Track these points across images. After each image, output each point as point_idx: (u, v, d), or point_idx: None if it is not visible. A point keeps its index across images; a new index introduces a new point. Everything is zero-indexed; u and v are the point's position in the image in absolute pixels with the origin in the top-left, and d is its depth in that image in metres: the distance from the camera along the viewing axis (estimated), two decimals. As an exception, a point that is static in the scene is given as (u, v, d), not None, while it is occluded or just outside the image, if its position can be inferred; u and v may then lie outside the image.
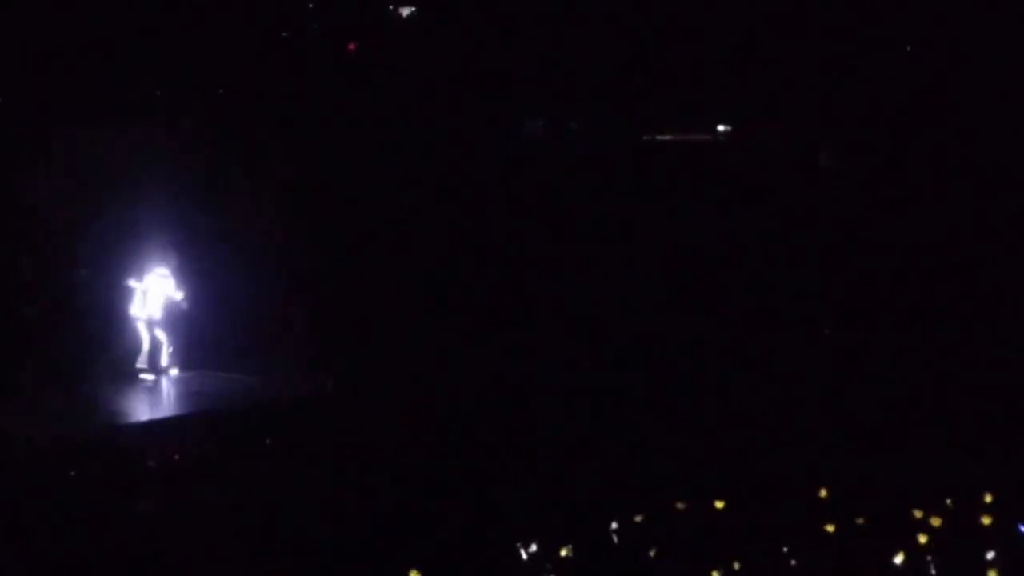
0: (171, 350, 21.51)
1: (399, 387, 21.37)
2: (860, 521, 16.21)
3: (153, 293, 21.30)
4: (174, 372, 21.50)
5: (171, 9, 26.70)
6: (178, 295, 21.23)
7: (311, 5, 30.01)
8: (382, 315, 23.75)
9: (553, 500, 16.88)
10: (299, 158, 26.10)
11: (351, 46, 30.05)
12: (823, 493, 16.66)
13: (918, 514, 16.26)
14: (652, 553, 15.45)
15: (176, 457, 18.53)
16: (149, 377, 21.31)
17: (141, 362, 21.43)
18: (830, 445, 18.81)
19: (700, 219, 28.01)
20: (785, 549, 15.66)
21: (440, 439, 19.39)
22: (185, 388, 21.13)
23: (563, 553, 15.31)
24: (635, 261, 27.81)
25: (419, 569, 15.01)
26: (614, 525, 15.81)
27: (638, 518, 16.02)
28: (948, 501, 16.59)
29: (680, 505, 16.27)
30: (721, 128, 30.52)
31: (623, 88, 29.64)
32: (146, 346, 21.39)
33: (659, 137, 30.32)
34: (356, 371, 21.69)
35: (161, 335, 21.44)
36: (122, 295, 21.43)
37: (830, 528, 16.07)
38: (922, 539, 15.89)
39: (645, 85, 29.51)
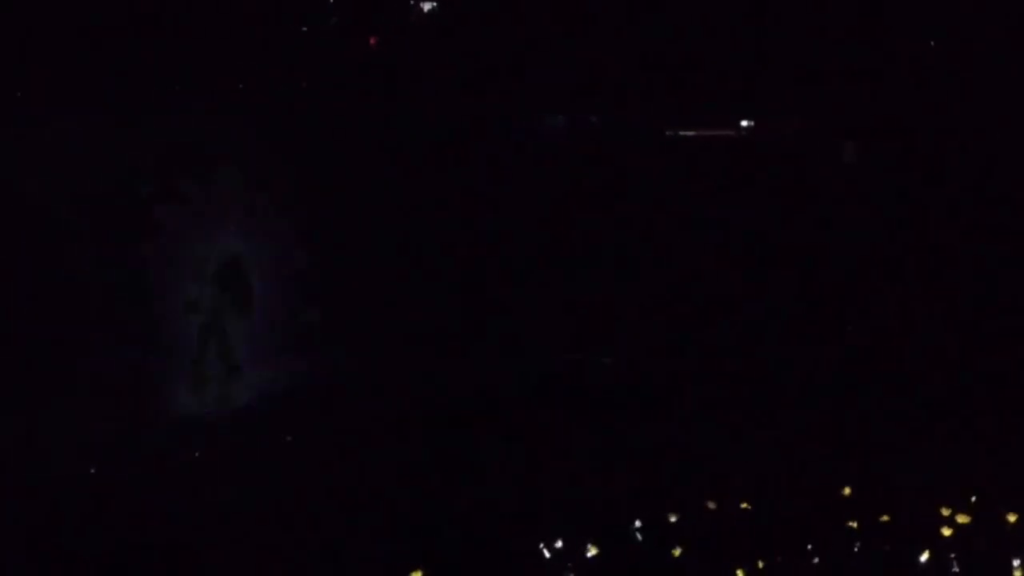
0: (248, 342, 21.90)
1: (426, 380, 21.41)
2: (884, 519, 16.19)
3: (232, 285, 21.99)
4: (244, 364, 21.81)
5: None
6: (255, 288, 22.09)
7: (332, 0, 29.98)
8: (410, 309, 23.86)
9: (576, 499, 16.84)
10: (321, 154, 26.26)
11: (372, 40, 30.03)
12: (847, 491, 16.60)
13: (944, 512, 16.23)
14: (676, 552, 15.45)
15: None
16: (223, 368, 21.68)
17: (218, 352, 21.78)
18: (854, 442, 18.74)
19: (724, 215, 28.04)
20: (809, 547, 15.67)
21: (464, 434, 19.39)
22: (253, 380, 21.65)
23: (589, 553, 15.33)
24: (657, 256, 27.83)
25: (441, 570, 15.06)
26: (637, 524, 15.82)
27: (662, 517, 16.02)
28: (973, 498, 16.55)
29: (705, 504, 16.25)
30: (744, 123, 30.44)
31: (646, 83, 29.58)
32: (220, 338, 21.85)
33: (682, 132, 30.24)
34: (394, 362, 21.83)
35: (239, 326, 21.91)
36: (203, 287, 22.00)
37: (854, 525, 16.05)
38: (947, 536, 15.90)
39: (668, 80, 29.45)
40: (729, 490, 16.68)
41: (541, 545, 15.64)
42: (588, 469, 17.76)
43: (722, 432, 19.15)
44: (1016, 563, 15.45)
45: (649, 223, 27.91)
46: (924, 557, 15.57)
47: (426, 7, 30.10)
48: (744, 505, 16.40)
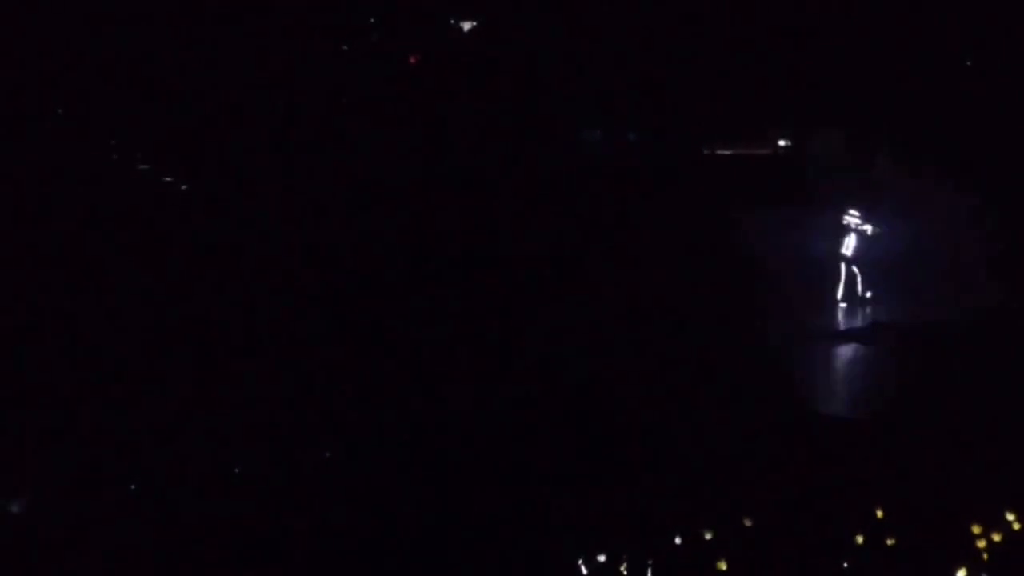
0: (863, 282, 27.99)
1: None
2: (919, 536, 16.31)
3: (852, 235, 28.11)
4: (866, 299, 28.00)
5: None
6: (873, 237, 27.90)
7: (373, 20, 30.22)
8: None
9: (616, 514, 16.99)
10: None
11: (413, 59, 30.26)
12: (880, 513, 16.71)
13: (976, 529, 16.35)
14: (716, 567, 15.63)
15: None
16: (844, 304, 27.98)
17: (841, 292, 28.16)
18: (890, 460, 18.84)
19: (761, 230, 28.30)
20: (845, 565, 15.83)
21: (509, 449, 19.55)
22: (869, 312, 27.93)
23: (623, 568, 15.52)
24: (696, 271, 28.02)
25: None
26: (678, 541, 16.00)
27: (704, 534, 16.20)
28: (1010, 516, 16.65)
29: (744, 521, 16.42)
30: (781, 143, 30.60)
31: (684, 103, 29.71)
32: (844, 279, 28.01)
33: (720, 151, 30.34)
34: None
35: (856, 270, 28.01)
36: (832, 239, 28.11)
37: (890, 542, 16.19)
38: (982, 554, 16.03)
39: (705, 100, 29.58)
40: (767, 507, 16.80)
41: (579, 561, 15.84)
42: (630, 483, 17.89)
43: (761, 449, 19.23)
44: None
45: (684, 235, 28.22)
46: (960, 574, 15.71)
47: (466, 26, 30.40)
48: (780, 522, 16.52)
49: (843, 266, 28.40)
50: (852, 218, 28.30)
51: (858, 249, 28.51)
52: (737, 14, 29.35)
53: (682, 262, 28.33)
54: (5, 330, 21.77)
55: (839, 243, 28.55)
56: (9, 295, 22.69)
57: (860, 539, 16.23)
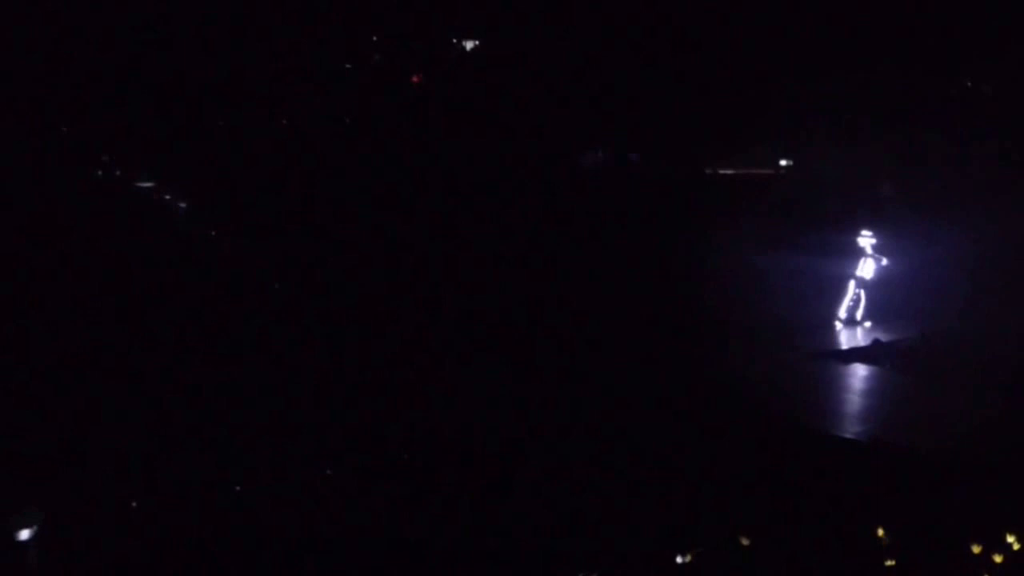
0: (864, 305, 28.93)
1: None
2: (919, 557, 16.31)
3: (865, 259, 29.07)
4: (866, 324, 28.81)
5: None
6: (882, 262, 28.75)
7: (375, 38, 30.42)
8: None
9: (616, 534, 17.01)
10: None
11: (415, 78, 30.43)
12: (880, 532, 16.72)
13: (976, 550, 16.34)
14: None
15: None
16: (839, 325, 28.98)
17: (842, 312, 29.20)
18: (889, 480, 18.87)
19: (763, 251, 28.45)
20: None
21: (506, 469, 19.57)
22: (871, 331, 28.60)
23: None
24: (695, 289, 28.14)
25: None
26: (679, 560, 16.00)
27: (700, 552, 16.20)
28: (1010, 538, 16.65)
29: (744, 541, 16.43)
30: (783, 163, 30.78)
31: (686, 122, 29.88)
32: (848, 300, 28.98)
33: (721, 171, 30.52)
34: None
35: (862, 292, 28.96)
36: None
37: (890, 563, 16.19)
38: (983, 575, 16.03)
39: (708, 119, 29.73)
40: (767, 527, 16.80)
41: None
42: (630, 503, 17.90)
43: (761, 469, 19.26)
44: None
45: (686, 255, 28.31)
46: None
47: (468, 45, 30.56)
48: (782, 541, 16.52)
49: (851, 285, 29.13)
50: (865, 239, 28.89)
51: (868, 270, 28.87)
52: (740, 32, 29.57)
53: (683, 280, 28.52)
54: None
55: (849, 263, 28.99)
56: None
57: (862, 559, 16.18)
